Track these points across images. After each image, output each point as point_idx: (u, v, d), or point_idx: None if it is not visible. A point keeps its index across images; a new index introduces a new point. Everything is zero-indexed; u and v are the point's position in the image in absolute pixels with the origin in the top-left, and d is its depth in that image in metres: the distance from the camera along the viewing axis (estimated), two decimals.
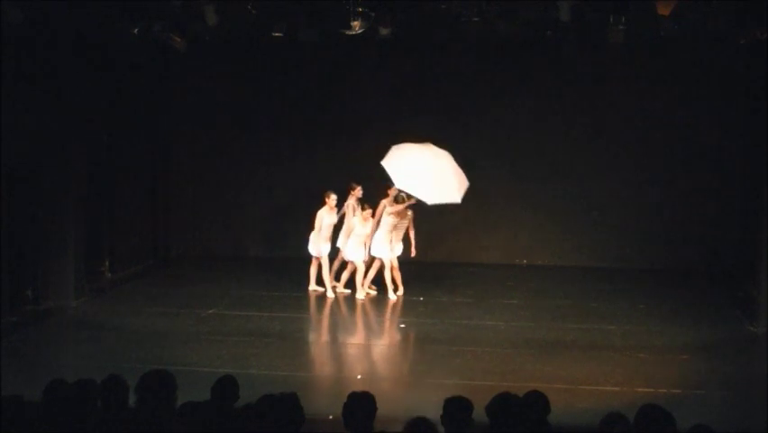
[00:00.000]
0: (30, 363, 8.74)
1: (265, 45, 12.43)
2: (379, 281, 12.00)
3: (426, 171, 11.21)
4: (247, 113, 14.35)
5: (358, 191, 11.78)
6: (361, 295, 11.81)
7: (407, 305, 11.49)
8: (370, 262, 11.88)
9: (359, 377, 8.77)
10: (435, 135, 13.83)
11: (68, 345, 10.11)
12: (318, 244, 11.83)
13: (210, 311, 11.08)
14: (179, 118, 14.61)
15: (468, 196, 13.87)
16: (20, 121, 10.62)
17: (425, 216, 14.04)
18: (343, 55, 13.39)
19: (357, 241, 11.69)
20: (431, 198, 11.06)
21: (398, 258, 11.88)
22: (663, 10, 9.54)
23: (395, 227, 11.65)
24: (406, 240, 11.89)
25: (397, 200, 11.50)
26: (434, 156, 11.53)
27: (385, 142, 13.06)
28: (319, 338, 10.89)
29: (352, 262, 11.86)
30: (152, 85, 13.87)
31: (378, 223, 11.64)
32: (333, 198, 11.74)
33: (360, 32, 10.56)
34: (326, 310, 11.70)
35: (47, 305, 11.07)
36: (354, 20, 10.34)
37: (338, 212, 11.81)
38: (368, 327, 11.23)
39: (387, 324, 10.78)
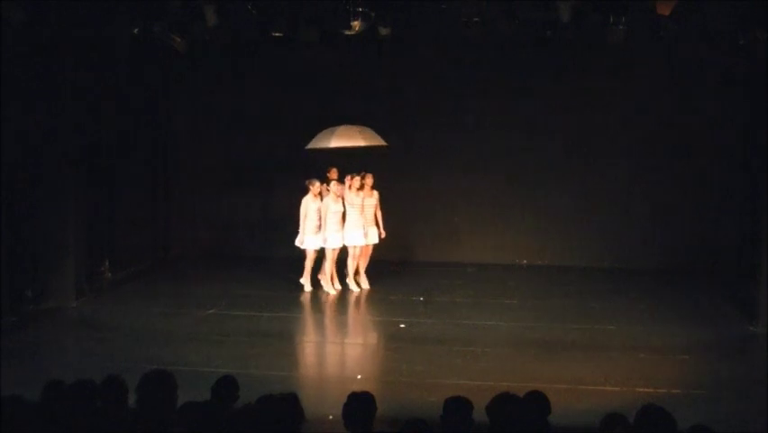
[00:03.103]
0: (30, 363, 8.74)
1: (265, 45, 12.43)
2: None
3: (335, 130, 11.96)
4: (247, 113, 14.36)
5: (333, 173, 11.95)
6: (330, 287, 12.06)
7: (407, 305, 11.50)
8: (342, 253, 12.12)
9: (359, 377, 8.76)
10: (435, 135, 13.94)
11: (68, 345, 10.11)
12: (303, 235, 11.83)
13: (210, 311, 11.08)
14: (179, 118, 14.62)
15: (468, 196, 13.97)
16: (20, 121, 10.62)
17: (425, 216, 14.12)
18: (343, 55, 13.39)
19: (334, 220, 11.76)
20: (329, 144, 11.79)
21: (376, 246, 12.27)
22: (663, 10, 9.54)
23: (362, 209, 11.88)
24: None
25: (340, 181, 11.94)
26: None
27: (385, 141, 13.11)
28: (319, 338, 10.88)
29: (334, 250, 11.93)
30: (152, 85, 13.87)
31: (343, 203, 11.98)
32: (316, 186, 11.79)
33: (360, 31, 10.55)
34: (326, 310, 11.71)
35: (47, 305, 11.06)
36: (354, 20, 10.34)
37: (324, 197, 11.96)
38: (367, 326, 11.23)
39: (386, 324, 10.76)
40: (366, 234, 12.03)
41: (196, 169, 14.71)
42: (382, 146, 12.17)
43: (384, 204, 12.65)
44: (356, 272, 12.28)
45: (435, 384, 8.15)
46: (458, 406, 4.69)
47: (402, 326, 10.54)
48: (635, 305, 11.45)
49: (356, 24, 10.39)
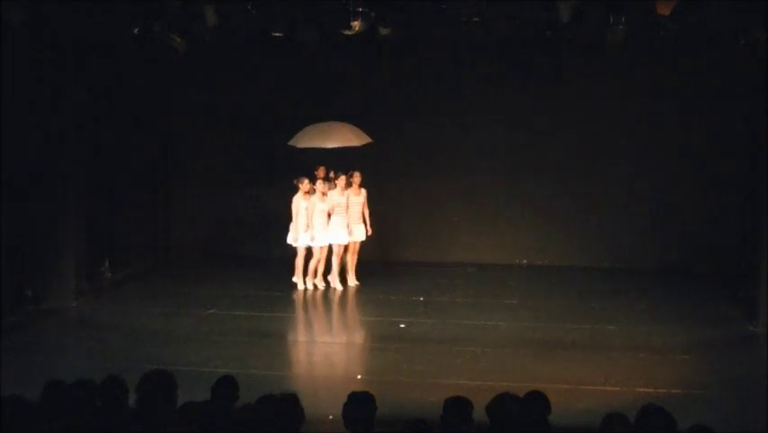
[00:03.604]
0: (30, 363, 8.74)
1: (265, 45, 12.42)
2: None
3: (315, 128, 12.30)
4: (247, 113, 14.35)
5: (321, 172, 12.12)
6: (309, 284, 12.20)
7: (407, 305, 11.50)
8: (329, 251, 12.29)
9: (359, 377, 8.77)
10: (435, 135, 13.95)
11: (68, 345, 10.10)
12: (297, 233, 11.98)
13: (210, 311, 11.08)
14: (179, 118, 14.61)
15: (468, 196, 13.97)
16: (20, 121, 10.61)
17: (425, 216, 14.12)
18: (343, 55, 13.39)
19: (321, 218, 11.92)
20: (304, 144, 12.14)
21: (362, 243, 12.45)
22: (663, 10, 9.53)
23: (347, 207, 12.05)
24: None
25: (326, 180, 12.17)
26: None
27: (385, 141, 13.14)
28: (319, 338, 10.88)
29: (321, 249, 12.10)
30: (152, 85, 13.86)
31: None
32: (305, 184, 11.95)
33: (360, 31, 10.54)
34: (325, 310, 11.71)
35: (47, 305, 11.06)
36: (354, 20, 10.33)
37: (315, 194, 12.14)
38: (368, 326, 11.22)
39: (386, 324, 10.76)
40: (351, 232, 12.16)
41: (196, 169, 14.70)
42: (363, 144, 12.30)
43: (384, 204, 12.65)
44: (344, 270, 12.43)
45: (435, 384, 8.15)
46: (458, 406, 4.70)
47: (402, 326, 10.54)
48: (635, 305, 11.45)
49: (356, 24, 10.38)
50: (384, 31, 10.91)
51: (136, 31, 10.92)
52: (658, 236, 13.58)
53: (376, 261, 13.45)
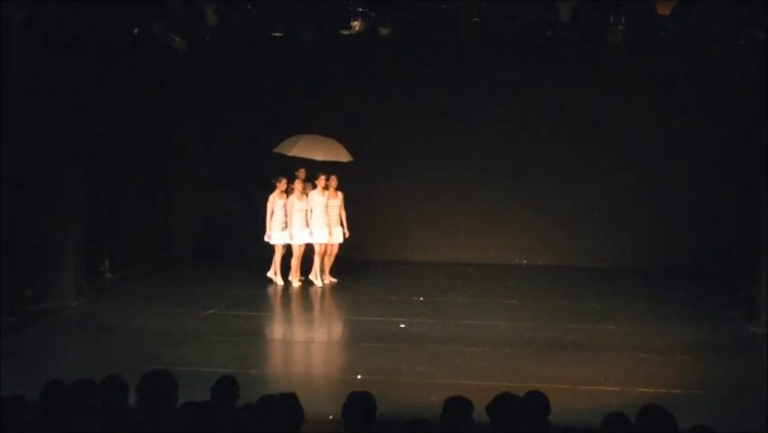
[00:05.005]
0: (30, 363, 8.73)
1: (265, 45, 12.43)
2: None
3: (300, 139, 12.45)
4: (247, 113, 14.36)
5: (301, 173, 12.34)
6: (295, 282, 12.37)
7: (407, 305, 11.50)
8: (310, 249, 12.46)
9: (359, 377, 8.76)
10: (436, 135, 13.95)
11: (68, 345, 10.08)
12: (271, 231, 12.18)
13: (210, 311, 11.08)
14: (179, 118, 14.61)
15: (468, 195, 13.97)
16: (20, 121, 10.61)
17: (425, 216, 14.12)
18: (343, 55, 13.39)
19: (299, 217, 12.14)
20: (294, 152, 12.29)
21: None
22: (663, 10, 9.53)
23: (326, 208, 12.23)
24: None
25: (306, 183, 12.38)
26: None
27: (385, 141, 13.12)
28: (319, 338, 10.88)
29: (300, 247, 12.30)
30: (152, 85, 13.86)
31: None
32: (283, 183, 12.19)
33: (360, 31, 10.55)
34: (325, 311, 11.71)
35: (47, 305, 11.05)
36: (354, 20, 10.33)
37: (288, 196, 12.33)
38: (368, 326, 11.21)
39: (386, 324, 10.76)
40: (331, 233, 12.31)
41: (196, 169, 14.72)
42: (342, 162, 12.42)
43: (384, 204, 12.63)
44: (321, 270, 12.53)
45: (435, 384, 8.14)
46: (458, 406, 4.70)
47: (402, 326, 10.54)
48: (635, 305, 11.45)
49: (356, 24, 10.39)
50: (384, 31, 10.92)
51: (136, 31, 10.91)
52: (658, 236, 13.59)
53: (376, 260, 13.46)
